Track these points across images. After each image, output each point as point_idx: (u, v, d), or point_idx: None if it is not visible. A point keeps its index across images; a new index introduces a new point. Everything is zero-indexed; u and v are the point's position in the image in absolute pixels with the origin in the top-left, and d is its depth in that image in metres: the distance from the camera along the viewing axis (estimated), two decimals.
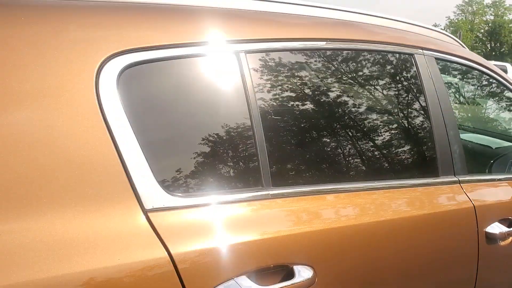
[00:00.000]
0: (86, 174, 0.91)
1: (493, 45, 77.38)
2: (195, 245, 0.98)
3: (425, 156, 1.66)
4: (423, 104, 1.64)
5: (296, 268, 1.11)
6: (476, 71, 2.04)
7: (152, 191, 0.97)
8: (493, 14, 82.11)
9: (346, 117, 1.47)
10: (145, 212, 0.96)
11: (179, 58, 1.08)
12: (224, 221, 1.06)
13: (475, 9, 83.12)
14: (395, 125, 1.62)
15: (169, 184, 1.02)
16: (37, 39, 0.91)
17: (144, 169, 0.97)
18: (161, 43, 1.05)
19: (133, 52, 1.00)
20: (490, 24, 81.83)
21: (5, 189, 0.82)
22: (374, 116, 1.55)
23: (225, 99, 1.15)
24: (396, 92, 1.65)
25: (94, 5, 1.03)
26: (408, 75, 1.66)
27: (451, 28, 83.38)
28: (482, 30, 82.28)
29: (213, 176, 1.10)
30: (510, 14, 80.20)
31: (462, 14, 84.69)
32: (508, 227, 1.74)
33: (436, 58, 1.74)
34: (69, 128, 0.90)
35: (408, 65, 1.65)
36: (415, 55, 1.65)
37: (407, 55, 1.64)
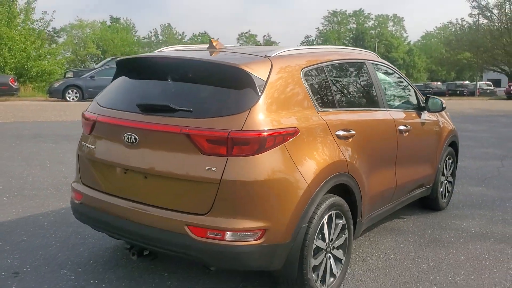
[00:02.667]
0: (299, 103, 3.33)
1: None
2: (331, 120, 3.44)
3: (377, 102, 4.28)
4: (373, 84, 4.27)
5: (351, 129, 3.63)
6: (386, 67, 4.80)
7: (317, 106, 3.41)
8: (355, 22, 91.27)
9: (361, 88, 4.16)
10: (317, 112, 3.39)
11: (319, 67, 3.58)
12: (334, 116, 3.55)
13: (339, 19, 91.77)
14: (371, 91, 4.27)
15: (321, 105, 3.45)
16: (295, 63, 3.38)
17: (314, 100, 3.40)
18: (314, 64, 3.54)
19: (307, 67, 3.46)
20: (354, 32, 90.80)
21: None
22: (366, 87, 4.25)
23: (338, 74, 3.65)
24: (366, 79, 4.29)
25: (300, 55, 3.55)
26: (366, 71, 4.29)
27: (321, 38, 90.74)
28: (348, 38, 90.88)
29: (333, 103, 3.60)
30: (369, 21, 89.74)
31: (329, 25, 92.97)
32: (406, 127, 4.43)
33: (372, 64, 4.38)
34: (295, 85, 3.33)
35: (365, 67, 4.28)
36: (365, 63, 4.28)
37: (364, 63, 4.27)
